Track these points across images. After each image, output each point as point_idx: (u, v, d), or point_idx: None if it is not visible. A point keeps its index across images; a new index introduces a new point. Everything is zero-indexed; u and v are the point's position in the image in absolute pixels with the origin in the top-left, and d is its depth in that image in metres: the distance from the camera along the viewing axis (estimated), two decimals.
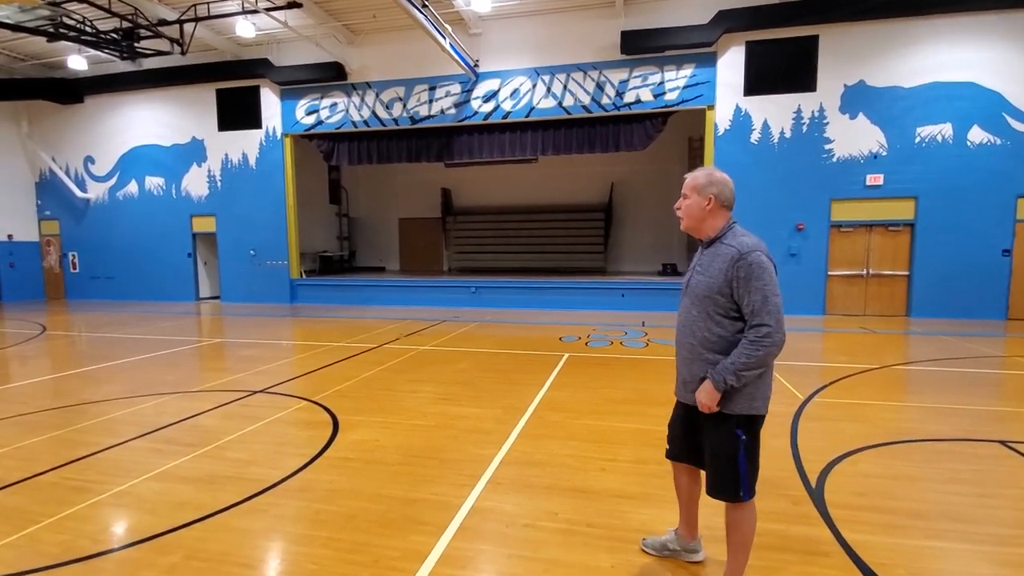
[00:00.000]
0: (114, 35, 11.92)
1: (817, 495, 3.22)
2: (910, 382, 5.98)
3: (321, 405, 5.10)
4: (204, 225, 15.12)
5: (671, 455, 2.48)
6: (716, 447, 2.19)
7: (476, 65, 12.59)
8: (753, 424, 2.13)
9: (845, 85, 11.08)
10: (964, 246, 10.76)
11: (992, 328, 9.68)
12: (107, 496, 3.30)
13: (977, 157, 10.61)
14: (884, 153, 10.99)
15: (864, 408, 4.94)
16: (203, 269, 15.67)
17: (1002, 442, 4.12)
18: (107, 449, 4.08)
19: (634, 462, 3.74)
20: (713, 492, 2.21)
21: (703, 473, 2.35)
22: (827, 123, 11.20)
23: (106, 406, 5.18)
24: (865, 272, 11.36)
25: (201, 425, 4.59)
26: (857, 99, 11.04)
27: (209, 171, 14.87)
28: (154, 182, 15.44)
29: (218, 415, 4.87)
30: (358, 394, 5.51)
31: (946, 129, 10.72)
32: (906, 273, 11.19)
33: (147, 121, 15.31)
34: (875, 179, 11.05)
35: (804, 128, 11.30)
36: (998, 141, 10.51)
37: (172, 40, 12.62)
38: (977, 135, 10.60)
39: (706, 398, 2.12)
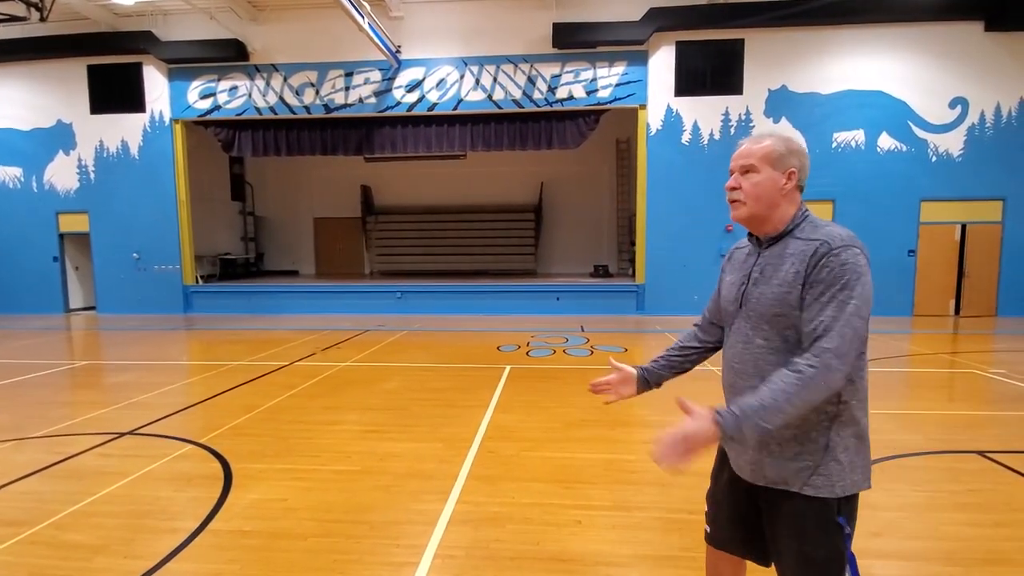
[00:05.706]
0: None
1: None
2: None
3: (210, 449, 4.01)
4: (74, 224, 12.89)
5: (715, 541, 1.70)
6: (805, 545, 1.41)
7: (398, 51, 11.59)
8: (854, 507, 1.44)
9: (769, 89, 11.26)
10: (875, 247, 11.22)
11: (902, 325, 10.15)
12: None
13: (886, 162, 11.14)
14: None
15: None
16: (74, 275, 13.38)
17: (979, 453, 3.91)
18: None
19: (614, 508, 3.07)
20: None
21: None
22: (753, 126, 11.33)
23: None
24: None
25: (34, 491, 3.39)
26: (780, 103, 11.26)
27: (80, 160, 12.69)
28: (9, 173, 12.98)
29: (62, 473, 3.66)
30: (261, 430, 4.46)
31: (859, 135, 11.18)
32: None
33: (1, 101, 12.84)
34: None
35: (732, 130, 11.37)
36: (904, 148, 11.10)
37: (29, 4, 10.60)
38: (886, 142, 11.13)
39: (685, 440, 1.32)
